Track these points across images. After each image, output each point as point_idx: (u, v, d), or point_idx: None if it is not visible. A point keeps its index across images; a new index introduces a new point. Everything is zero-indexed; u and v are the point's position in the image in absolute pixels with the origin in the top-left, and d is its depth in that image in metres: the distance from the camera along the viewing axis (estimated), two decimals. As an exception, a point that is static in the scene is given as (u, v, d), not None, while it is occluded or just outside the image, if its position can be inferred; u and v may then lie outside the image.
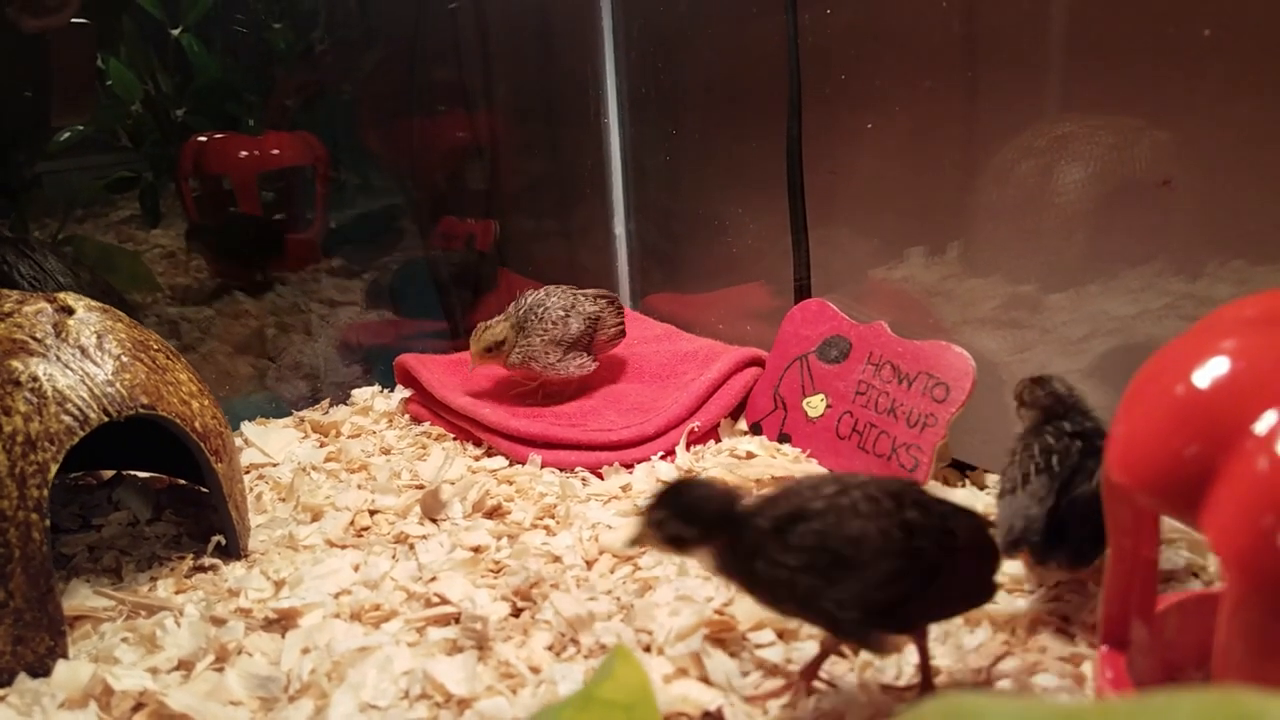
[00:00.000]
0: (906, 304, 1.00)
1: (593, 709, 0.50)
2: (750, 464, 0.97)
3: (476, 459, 1.05)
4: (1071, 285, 0.88)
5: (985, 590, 0.57)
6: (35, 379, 0.72)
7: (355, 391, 1.25)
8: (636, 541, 0.56)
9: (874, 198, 1.04)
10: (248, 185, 1.35)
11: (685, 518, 0.54)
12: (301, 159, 1.39)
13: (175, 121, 1.30)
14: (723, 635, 0.68)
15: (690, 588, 0.73)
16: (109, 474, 1.02)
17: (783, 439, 1.03)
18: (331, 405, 1.24)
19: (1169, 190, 0.79)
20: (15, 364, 0.72)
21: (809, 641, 0.66)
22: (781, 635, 0.68)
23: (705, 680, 0.64)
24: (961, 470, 0.94)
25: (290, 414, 1.21)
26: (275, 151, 1.38)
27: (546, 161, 1.53)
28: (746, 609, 0.70)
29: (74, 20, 1.10)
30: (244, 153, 1.35)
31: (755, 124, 1.15)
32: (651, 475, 0.98)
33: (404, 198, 1.50)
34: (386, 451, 1.09)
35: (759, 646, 0.67)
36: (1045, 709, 0.28)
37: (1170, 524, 0.77)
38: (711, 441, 1.06)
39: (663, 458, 1.02)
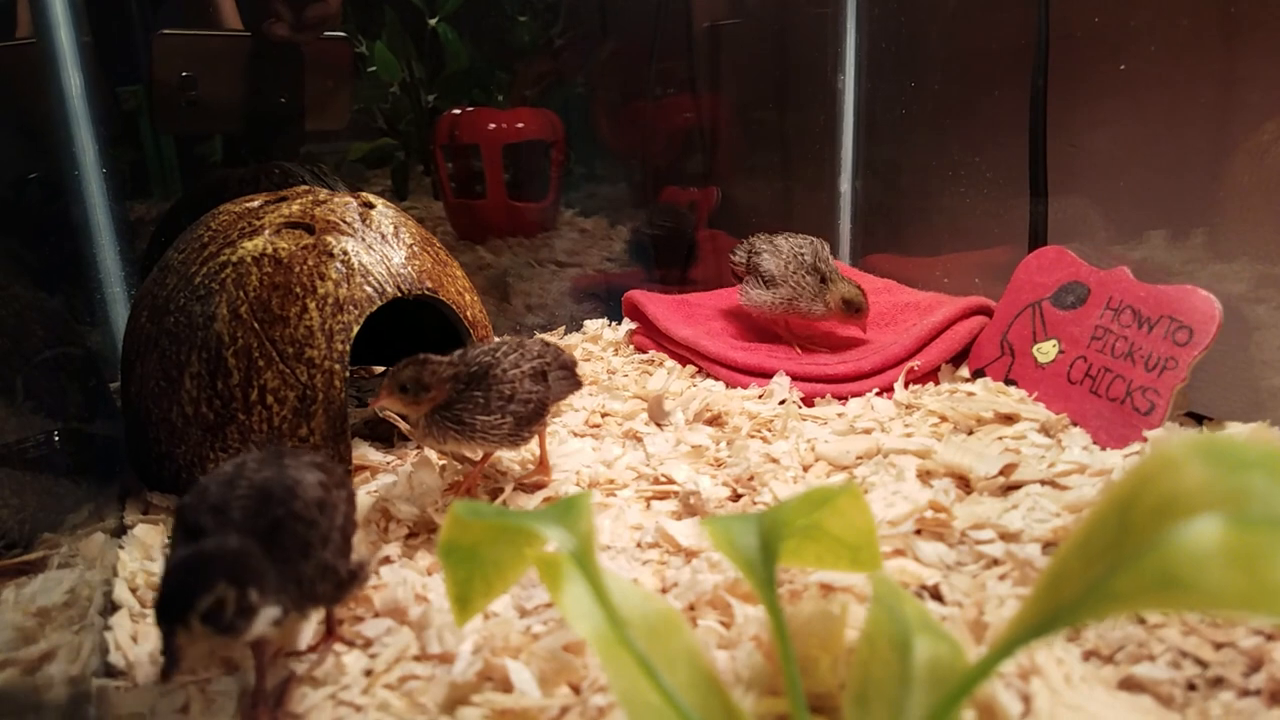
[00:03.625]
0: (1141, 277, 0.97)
1: (822, 540, 0.54)
2: (971, 401, 0.96)
3: (695, 383, 1.11)
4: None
5: None
6: (345, 253, 0.85)
7: (587, 322, 1.35)
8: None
9: (1115, 171, 1.02)
10: (495, 155, 1.48)
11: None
12: (544, 133, 1.52)
13: (426, 106, 1.45)
14: (939, 530, 0.69)
15: (907, 490, 0.75)
16: (380, 369, 1.16)
17: (1008, 384, 1.01)
18: (566, 333, 1.34)
19: None
20: (330, 239, 0.85)
21: (1031, 545, 0.66)
22: (1002, 536, 0.68)
23: (919, 561, 0.66)
24: (1198, 421, 0.89)
25: (532, 335, 1.33)
26: (520, 125, 1.52)
27: (775, 124, 1.57)
28: (965, 510, 0.71)
29: (328, 35, 1.25)
30: (493, 125, 1.49)
31: (998, 74, 1.14)
32: (866, 407, 0.99)
33: (628, 177, 1.60)
34: (613, 372, 1.17)
35: (978, 543, 0.68)
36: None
37: None
38: (930, 384, 1.06)
39: (878, 394, 1.03)
